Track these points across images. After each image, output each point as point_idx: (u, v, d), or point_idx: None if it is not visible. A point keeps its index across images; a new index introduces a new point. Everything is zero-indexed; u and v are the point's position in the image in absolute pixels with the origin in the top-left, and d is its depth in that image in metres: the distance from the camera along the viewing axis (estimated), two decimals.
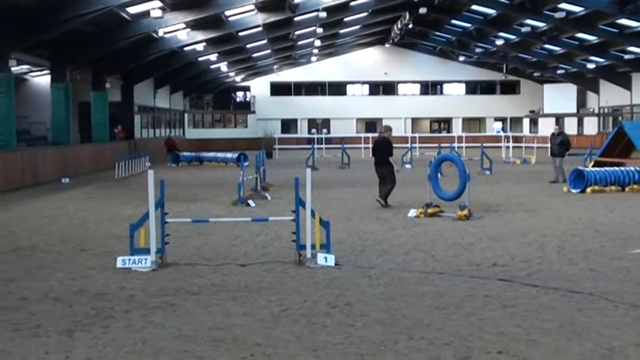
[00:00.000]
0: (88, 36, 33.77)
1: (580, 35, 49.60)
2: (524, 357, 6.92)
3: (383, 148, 20.05)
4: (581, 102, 66.15)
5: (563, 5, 42.03)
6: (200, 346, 7.34)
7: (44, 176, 29.01)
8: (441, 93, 74.21)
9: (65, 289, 9.91)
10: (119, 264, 11.28)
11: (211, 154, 42.71)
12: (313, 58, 69.32)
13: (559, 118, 64.53)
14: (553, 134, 27.80)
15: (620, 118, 55.54)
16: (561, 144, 26.76)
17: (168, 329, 7.95)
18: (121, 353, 7.13)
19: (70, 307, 8.96)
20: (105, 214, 18.43)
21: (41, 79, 43.58)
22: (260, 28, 44.22)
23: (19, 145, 31.52)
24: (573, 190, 22.85)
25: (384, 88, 73.25)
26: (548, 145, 28.08)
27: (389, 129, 21.00)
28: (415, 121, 72.86)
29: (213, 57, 50.74)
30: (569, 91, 65.47)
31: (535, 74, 67.91)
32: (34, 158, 29.49)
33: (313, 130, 66.87)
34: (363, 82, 73.18)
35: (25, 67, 40.70)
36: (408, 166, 37.22)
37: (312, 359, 6.90)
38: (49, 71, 36.09)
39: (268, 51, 55.80)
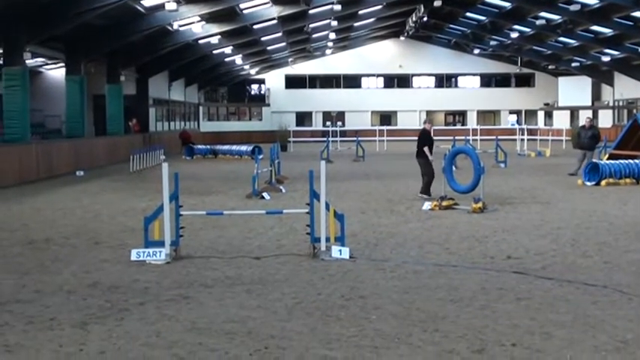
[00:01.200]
0: (102, 29, 33.81)
1: (595, 28, 49.30)
2: (538, 349, 6.91)
3: (419, 138, 20.19)
4: (596, 95, 65.81)
5: None
6: (214, 338, 7.36)
7: (59, 169, 29.12)
8: (456, 86, 73.99)
9: (79, 282, 9.95)
10: (133, 257, 11.31)
11: (226, 147, 42.72)
12: (328, 51, 69.21)
13: (573, 111, 64.26)
14: (584, 127, 27.67)
15: (634, 111, 55.17)
16: (593, 137, 26.65)
17: (182, 322, 7.96)
18: (135, 345, 7.16)
19: (84, 299, 9.00)
20: (119, 207, 18.48)
21: (56, 72, 43.73)
22: (275, 21, 44.18)
23: (34, 138, 31.63)
24: (588, 183, 22.78)
25: (398, 81, 73.09)
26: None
27: (426, 120, 21.32)
28: (430, 114, 72.53)
29: (227, 50, 50.70)
30: (584, 83, 65.15)
31: (550, 67, 67.60)
32: (49, 151, 29.60)
33: (328, 123, 66.75)
34: (378, 75, 73.02)
35: (39, 60, 40.83)
36: None
37: (325, 352, 6.90)
38: (63, 64, 36.16)
39: (283, 44, 55.76)
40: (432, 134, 20.54)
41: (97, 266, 11.03)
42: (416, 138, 20.42)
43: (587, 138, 26.75)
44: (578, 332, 7.44)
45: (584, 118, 29.80)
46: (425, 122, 21.25)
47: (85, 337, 7.44)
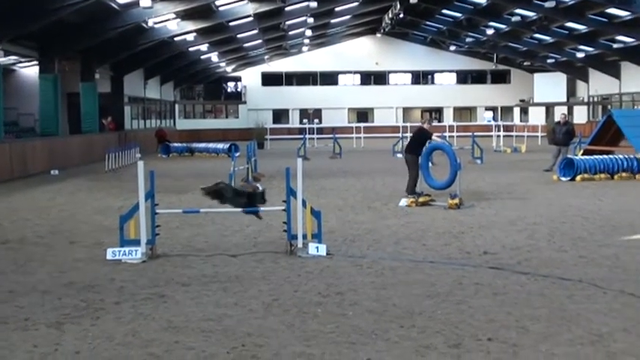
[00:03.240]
0: (76, 26, 33.59)
1: (570, 24, 49.65)
2: (515, 344, 6.94)
3: (416, 136, 19.35)
4: (571, 91, 66.25)
5: None
6: (191, 337, 7.33)
7: (33, 168, 28.88)
8: (432, 82, 74.15)
9: (54, 282, 9.87)
10: (109, 256, 11.23)
11: (202, 145, 42.59)
12: (304, 48, 69.20)
13: (548, 107, 64.65)
14: (559, 123, 27.80)
15: (609, 107, 55.63)
16: (567, 133, 26.78)
17: (159, 321, 7.93)
18: (111, 345, 7.11)
19: (59, 299, 8.93)
20: (95, 206, 18.37)
21: (29, 70, 43.41)
22: (251, 18, 44.08)
23: (7, 137, 31.39)
24: (563, 179, 22.91)
25: (375, 78, 73.16)
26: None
27: (426, 120, 20.61)
28: (406, 111, 72.78)
29: (203, 47, 50.58)
30: (559, 80, 65.55)
31: (525, 63, 67.99)
32: (23, 150, 29.36)
33: (305, 120, 66.73)
34: (355, 72, 73.06)
35: (12, 58, 40.49)
36: (399, 155, 37.20)
37: (303, 349, 6.90)
38: (37, 62, 35.92)
39: (259, 41, 55.65)
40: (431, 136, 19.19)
41: (72, 265, 10.96)
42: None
43: (561, 134, 26.89)
44: (553, 326, 7.48)
45: (559, 114, 29.97)
46: (424, 122, 20.20)
47: (60, 337, 7.38)
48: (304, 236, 11.53)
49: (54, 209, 18.00)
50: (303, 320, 7.86)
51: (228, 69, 69.19)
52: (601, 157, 23.78)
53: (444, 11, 55.21)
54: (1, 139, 27.64)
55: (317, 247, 11.44)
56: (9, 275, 10.34)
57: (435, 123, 68.87)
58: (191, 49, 49.85)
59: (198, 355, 6.78)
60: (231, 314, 8.14)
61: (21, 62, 42.86)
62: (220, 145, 40.36)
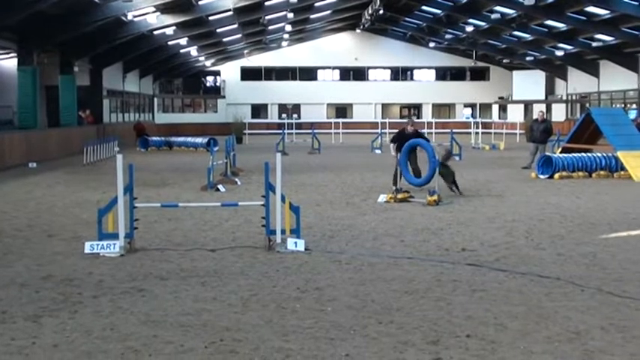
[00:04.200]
0: (55, 19, 33.35)
1: (549, 22, 49.82)
2: (493, 340, 6.97)
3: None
4: (550, 89, 66.58)
5: None
6: (169, 331, 7.31)
7: (10, 161, 28.68)
8: (411, 79, 74.24)
9: (32, 275, 9.82)
10: (87, 249, 11.19)
11: (181, 139, 42.46)
12: (284, 43, 69.08)
13: (527, 105, 64.92)
14: (536, 120, 27.95)
15: (587, 105, 55.93)
16: (545, 130, 26.94)
17: (137, 315, 7.91)
18: (90, 339, 7.09)
19: (36, 292, 8.89)
20: (73, 199, 18.28)
21: (8, 62, 43.03)
22: (230, 13, 43.91)
23: None
24: (541, 176, 23.02)
25: (354, 74, 73.17)
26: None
27: (409, 122, 21.25)
28: (385, 107, 72.86)
29: (183, 41, 50.37)
30: (538, 77, 65.86)
31: (504, 61, 68.20)
32: (0, 142, 29.16)
33: (283, 115, 66.61)
34: (334, 68, 73.06)
35: None
36: (377, 151, 37.33)
37: (281, 344, 6.90)
38: (15, 54, 35.65)
39: (239, 35, 55.52)
40: (408, 135, 19.91)
41: (50, 259, 10.90)
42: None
43: (539, 131, 27.07)
44: (531, 323, 7.52)
45: (537, 111, 30.10)
46: (407, 123, 21.00)
47: (38, 331, 7.35)
48: (283, 231, 11.53)
49: (32, 202, 17.89)
50: (282, 315, 7.86)
51: (208, 63, 69.00)
52: (579, 155, 23.91)
53: (424, 7, 55.23)
54: None
55: (295, 243, 11.44)
56: None
57: (414, 119, 69.26)
58: (170, 42, 49.67)
59: (176, 349, 6.76)
60: (209, 309, 8.13)
61: None
62: (199, 140, 40.23)
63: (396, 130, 20.40)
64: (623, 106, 51.63)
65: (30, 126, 33.26)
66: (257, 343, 6.93)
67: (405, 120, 21.11)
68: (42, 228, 13.87)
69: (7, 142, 29.71)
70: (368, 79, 73.31)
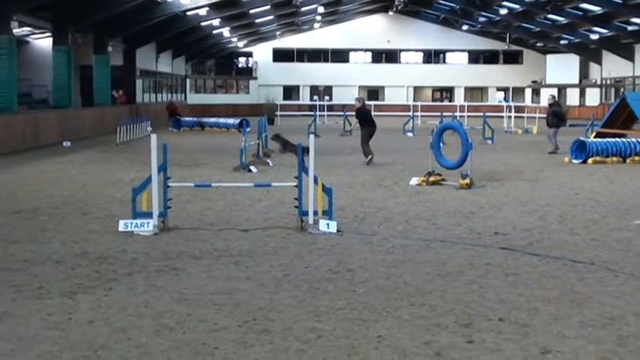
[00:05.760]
0: None
1: (584, 6, 49.34)
2: (525, 324, 6.95)
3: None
4: (584, 73, 65.96)
5: None
6: (202, 309, 7.37)
7: (45, 139, 28.97)
8: (444, 62, 73.90)
9: (67, 252, 9.93)
10: (121, 227, 11.29)
11: (213, 120, 42.61)
12: (316, 25, 68.97)
13: (561, 89, 64.41)
14: (548, 104, 27.77)
15: (622, 90, 55.37)
16: (553, 114, 26.68)
17: (171, 292, 7.97)
18: (124, 316, 7.16)
19: (72, 269, 8.99)
20: (106, 178, 18.43)
21: (43, 42, 43.42)
22: None
23: (21, 108, 31.44)
24: (575, 161, 22.85)
25: (386, 56, 72.95)
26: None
27: (359, 99, 24.89)
28: (417, 90, 72.65)
29: (216, 22, 50.47)
30: (572, 61, 65.27)
31: (538, 44, 67.66)
32: (35, 121, 29.46)
33: (315, 97, 66.59)
34: (366, 50, 72.89)
35: (26, 30, 40.53)
36: (409, 134, 37.26)
37: (314, 324, 6.92)
38: (50, 34, 35.91)
39: (271, 17, 55.54)
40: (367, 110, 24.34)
41: (84, 236, 11.01)
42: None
43: (548, 115, 26.90)
44: (565, 308, 7.49)
45: (569, 96, 29.89)
46: (359, 100, 24.30)
47: (74, 307, 7.43)
48: (315, 213, 11.55)
49: (66, 180, 18.07)
50: (314, 296, 7.89)
51: (240, 44, 69.07)
52: (613, 140, 23.69)
53: None
54: (14, 110, 27.70)
55: (328, 224, 11.46)
56: (23, 244, 10.40)
57: (447, 102, 68.96)
58: (203, 23, 49.79)
59: (209, 328, 6.81)
60: (242, 288, 8.17)
61: (35, 34, 42.87)
62: (231, 121, 40.34)
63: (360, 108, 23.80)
64: None
65: (64, 105, 33.55)
66: (289, 323, 6.96)
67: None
68: (77, 206, 14.00)
69: (42, 121, 30.00)
70: (400, 62, 73.06)
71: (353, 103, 25.06)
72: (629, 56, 56.06)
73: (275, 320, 7.03)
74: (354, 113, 24.50)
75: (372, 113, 24.92)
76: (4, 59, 26.75)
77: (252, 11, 50.66)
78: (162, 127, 40.63)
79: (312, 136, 12.04)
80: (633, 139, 23.69)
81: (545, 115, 28.06)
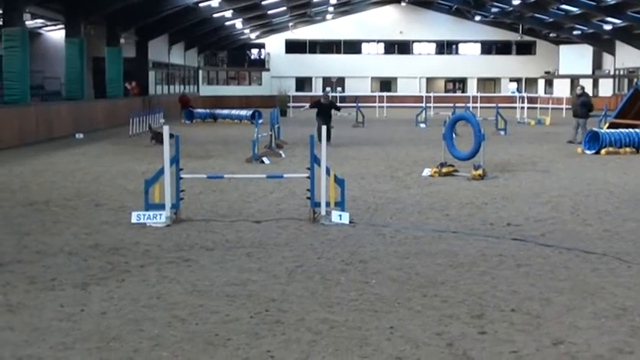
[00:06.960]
0: None
1: None
2: (538, 315, 6.94)
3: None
4: (597, 63, 65.65)
5: None
6: (215, 301, 7.38)
7: (58, 131, 29.06)
8: (457, 53, 73.67)
9: (80, 244, 9.97)
10: (134, 219, 11.32)
11: (225, 112, 42.65)
12: (328, 16, 68.86)
13: (573, 80, 64.12)
14: (576, 94, 27.68)
15: (635, 80, 55.06)
16: (583, 105, 26.64)
17: (183, 284, 7.99)
18: (137, 307, 7.18)
19: (84, 261, 9.02)
20: (119, 170, 18.48)
21: (55, 34, 43.46)
22: None
23: (33, 100, 31.49)
24: (587, 152, 22.77)
25: (399, 47, 72.75)
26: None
27: (324, 95, 27.54)
28: (430, 81, 72.46)
29: (228, 14, 50.45)
30: (585, 52, 64.97)
31: (551, 35, 67.37)
32: (48, 113, 29.54)
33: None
34: (378, 41, 72.69)
35: (39, 22, 40.56)
36: (422, 125, 37.19)
37: (326, 315, 6.93)
38: (63, 26, 35.95)
39: (284, 8, 55.45)
40: (325, 105, 26.05)
41: (97, 228, 11.05)
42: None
43: (577, 106, 26.83)
44: (577, 299, 7.47)
45: (577, 86, 29.75)
46: (323, 96, 26.88)
47: (86, 298, 7.47)
48: (327, 204, 11.55)
49: (79, 172, 18.13)
50: (327, 287, 7.90)
51: (252, 36, 69.04)
52: (627, 130, 23.58)
53: None
54: (27, 102, 27.78)
55: (340, 215, 11.46)
56: (36, 236, 10.45)
57: (459, 93, 68.78)
58: (215, 15, 49.76)
59: (222, 319, 6.83)
60: (255, 279, 8.19)
61: (47, 26, 42.89)
62: (243, 112, 40.36)
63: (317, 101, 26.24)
64: None
65: (77, 97, 33.61)
66: (302, 314, 6.97)
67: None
68: (89, 197, 14.05)
69: (54, 113, 30.09)
70: (413, 53, 72.81)
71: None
72: None
73: (287, 311, 7.04)
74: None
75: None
76: (16, 51, 26.80)
77: (264, 2, 50.62)
78: (174, 119, 40.68)
79: (324, 128, 12.00)
80: None
81: (570, 106, 27.96)
